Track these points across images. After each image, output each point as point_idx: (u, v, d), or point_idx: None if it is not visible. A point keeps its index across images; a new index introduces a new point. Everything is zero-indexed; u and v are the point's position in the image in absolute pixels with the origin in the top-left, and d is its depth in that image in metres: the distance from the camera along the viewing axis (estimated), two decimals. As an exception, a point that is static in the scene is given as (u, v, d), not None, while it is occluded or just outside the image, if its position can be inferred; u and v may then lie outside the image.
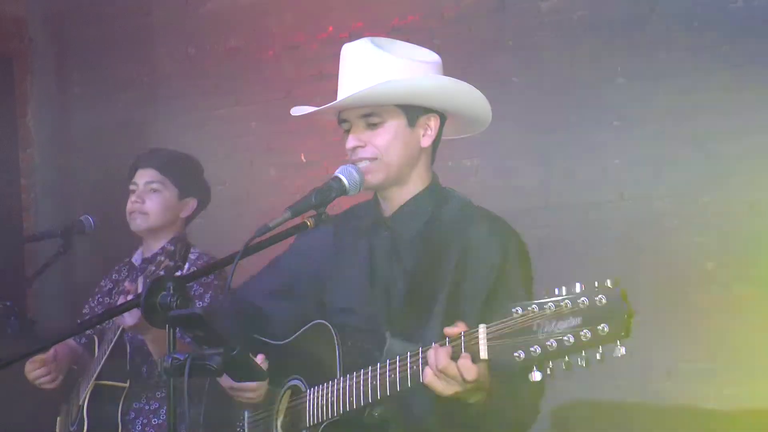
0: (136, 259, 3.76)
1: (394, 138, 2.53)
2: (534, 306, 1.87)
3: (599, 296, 1.79)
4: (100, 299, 3.84)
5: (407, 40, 2.66)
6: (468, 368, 2.04)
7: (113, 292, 3.79)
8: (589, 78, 4.55)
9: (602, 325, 1.77)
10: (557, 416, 4.39)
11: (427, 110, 2.56)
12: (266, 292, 2.81)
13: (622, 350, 1.77)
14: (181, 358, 2.12)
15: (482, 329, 1.99)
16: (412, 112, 2.54)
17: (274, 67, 5.62)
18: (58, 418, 3.75)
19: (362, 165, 2.51)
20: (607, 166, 4.50)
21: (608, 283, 1.81)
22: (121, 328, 3.16)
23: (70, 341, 3.72)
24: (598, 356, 1.80)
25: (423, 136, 2.57)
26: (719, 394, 4.22)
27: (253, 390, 2.60)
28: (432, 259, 2.50)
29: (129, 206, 3.62)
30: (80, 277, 5.97)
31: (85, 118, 6.32)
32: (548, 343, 1.82)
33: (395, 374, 2.21)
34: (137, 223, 3.64)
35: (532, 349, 1.85)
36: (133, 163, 3.74)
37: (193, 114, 5.94)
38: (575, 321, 1.80)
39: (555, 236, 4.61)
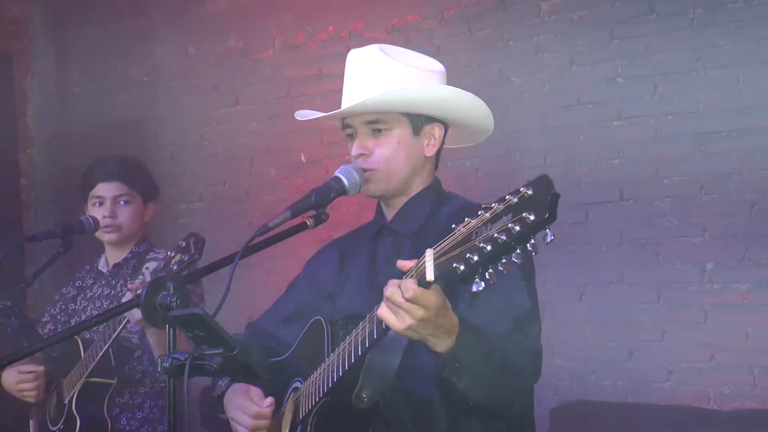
0: (102, 265, 3.79)
1: (399, 146, 2.52)
2: (472, 218, 1.82)
3: (527, 189, 1.75)
4: (63, 306, 3.84)
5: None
6: (407, 286, 1.97)
7: (78, 298, 3.80)
8: (589, 78, 4.55)
9: (527, 213, 1.73)
10: (557, 416, 4.39)
11: (431, 119, 2.56)
12: (280, 319, 2.83)
13: (550, 236, 1.73)
14: (181, 358, 2.11)
15: (429, 252, 1.90)
16: (417, 120, 2.54)
17: (274, 67, 5.63)
18: (31, 421, 3.73)
19: (365, 173, 2.52)
20: (607, 166, 4.50)
21: (537, 176, 1.77)
22: (123, 324, 3.17)
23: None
24: (529, 247, 1.75)
25: (427, 145, 2.56)
26: (719, 394, 4.23)
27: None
28: None
29: (100, 221, 3.62)
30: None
31: (85, 118, 6.32)
32: (482, 245, 1.76)
33: (365, 331, 2.19)
34: (112, 237, 3.69)
35: (469, 256, 1.79)
36: (90, 174, 3.72)
37: (193, 114, 5.95)
38: (506, 218, 1.75)
39: (555, 236, 4.61)
